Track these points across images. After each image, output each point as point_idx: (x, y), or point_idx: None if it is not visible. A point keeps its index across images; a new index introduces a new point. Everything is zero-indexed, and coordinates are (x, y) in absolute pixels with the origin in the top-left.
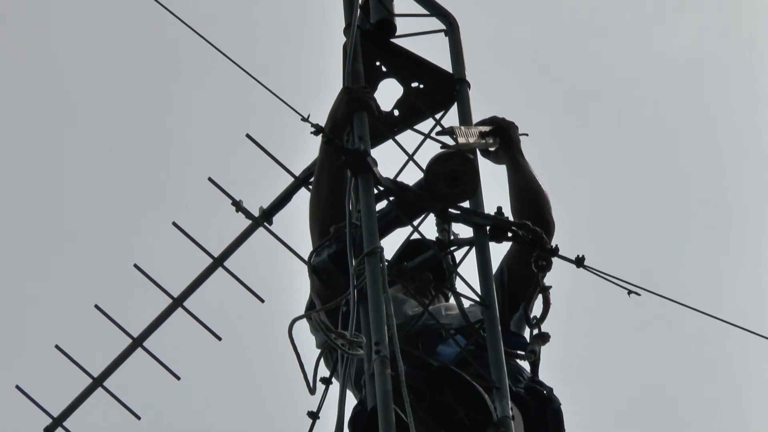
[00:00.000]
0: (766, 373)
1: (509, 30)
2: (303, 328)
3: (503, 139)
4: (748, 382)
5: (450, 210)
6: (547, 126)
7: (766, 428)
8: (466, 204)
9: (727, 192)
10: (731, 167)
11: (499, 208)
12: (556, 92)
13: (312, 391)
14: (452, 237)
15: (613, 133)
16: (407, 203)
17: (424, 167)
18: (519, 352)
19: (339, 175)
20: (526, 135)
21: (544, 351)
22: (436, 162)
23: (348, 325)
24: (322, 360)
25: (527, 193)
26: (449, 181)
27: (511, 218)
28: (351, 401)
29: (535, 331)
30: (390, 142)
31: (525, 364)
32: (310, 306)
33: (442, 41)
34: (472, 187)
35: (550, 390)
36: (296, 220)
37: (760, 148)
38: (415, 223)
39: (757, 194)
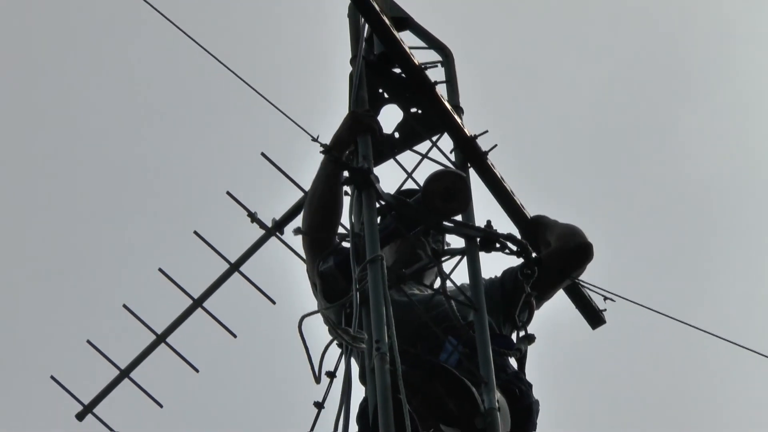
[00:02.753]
0: (738, 379)
1: (502, 57)
2: (311, 325)
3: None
4: (720, 388)
5: (444, 223)
6: (532, 137)
7: (723, 423)
8: (458, 217)
9: (709, 200)
10: (713, 175)
11: (489, 222)
12: (536, 109)
13: (318, 380)
14: (446, 247)
15: (597, 147)
16: (406, 217)
17: (421, 184)
18: (506, 350)
19: (333, 187)
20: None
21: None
22: (432, 180)
23: (351, 322)
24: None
25: (567, 227)
26: (444, 197)
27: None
28: (359, 394)
29: (522, 333)
30: (391, 161)
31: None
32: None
33: (439, 71)
34: (464, 202)
35: (529, 386)
36: None
37: (741, 158)
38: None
39: (739, 203)
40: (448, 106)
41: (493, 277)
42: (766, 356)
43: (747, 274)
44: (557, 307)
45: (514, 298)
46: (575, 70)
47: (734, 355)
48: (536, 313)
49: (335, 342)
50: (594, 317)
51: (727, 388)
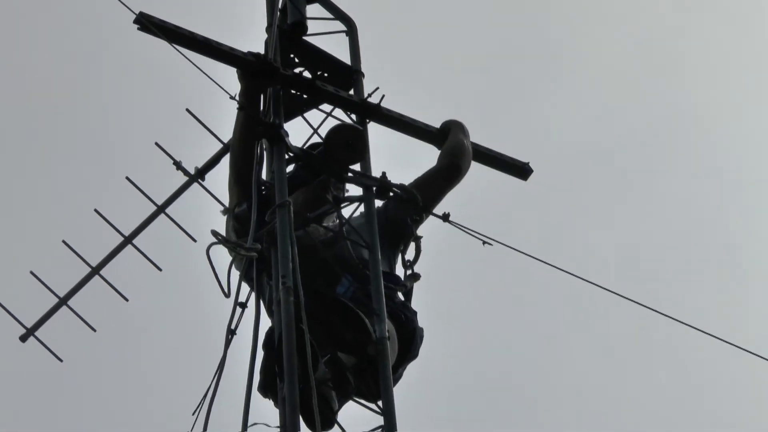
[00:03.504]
0: (599, 317)
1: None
2: (223, 254)
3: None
4: (583, 325)
5: (347, 174)
6: (419, 99)
7: (585, 363)
8: (357, 168)
9: (576, 159)
10: (580, 136)
11: (384, 173)
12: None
13: (227, 295)
14: (346, 195)
15: (478, 108)
16: (311, 167)
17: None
18: (395, 286)
19: (249, 141)
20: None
21: (416, 288)
22: (333, 133)
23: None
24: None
25: (454, 146)
26: (344, 148)
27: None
28: (267, 323)
29: (409, 272)
30: (299, 118)
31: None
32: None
33: (344, 39)
34: (362, 152)
35: (414, 314)
36: (224, 178)
37: (602, 123)
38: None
39: (601, 162)
40: (332, 89)
41: (378, 206)
42: (623, 296)
43: (611, 225)
44: (442, 251)
45: (396, 228)
46: (459, 38)
47: (597, 297)
48: (426, 255)
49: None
50: (520, 171)
51: (589, 325)
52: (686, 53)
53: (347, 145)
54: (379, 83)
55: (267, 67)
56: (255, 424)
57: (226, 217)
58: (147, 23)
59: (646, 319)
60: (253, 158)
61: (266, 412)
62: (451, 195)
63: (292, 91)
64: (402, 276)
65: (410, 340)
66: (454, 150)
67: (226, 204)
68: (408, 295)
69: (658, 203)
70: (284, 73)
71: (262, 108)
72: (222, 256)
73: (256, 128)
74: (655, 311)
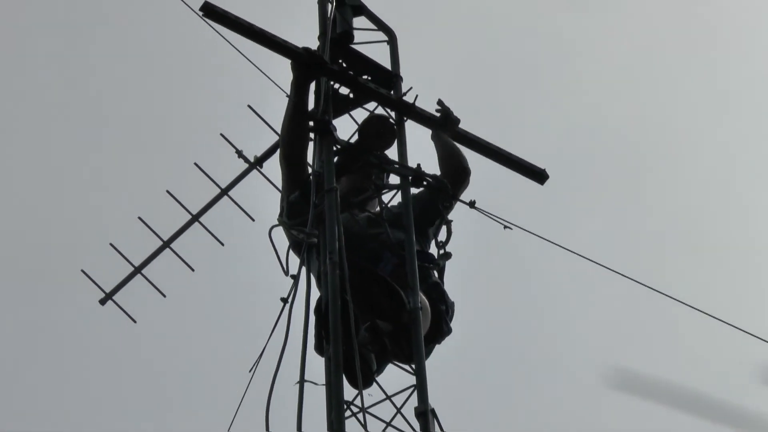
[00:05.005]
0: (593, 292)
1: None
2: (279, 235)
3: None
4: (580, 299)
5: (385, 165)
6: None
7: (583, 330)
8: (395, 157)
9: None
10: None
11: (419, 164)
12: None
13: (286, 273)
14: (385, 182)
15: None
16: (356, 158)
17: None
18: (429, 264)
19: (293, 125)
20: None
21: (448, 265)
22: (366, 124)
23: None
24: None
25: (452, 151)
26: (376, 137)
27: (431, 171)
28: (317, 294)
29: (441, 251)
30: (346, 115)
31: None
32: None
33: (386, 48)
34: (391, 140)
35: (443, 292)
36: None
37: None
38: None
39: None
40: (372, 85)
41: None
42: (621, 274)
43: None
44: (466, 231)
45: (423, 219)
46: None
47: (598, 275)
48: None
49: (296, 253)
50: (538, 176)
51: (590, 300)
52: (676, 61)
53: (378, 133)
54: (414, 82)
55: (315, 59)
56: (306, 381)
57: (280, 198)
58: (212, 11)
59: (641, 294)
60: (299, 145)
61: (314, 371)
62: (477, 187)
63: (341, 93)
64: (435, 255)
65: (442, 315)
66: (461, 157)
67: (279, 187)
68: (441, 272)
69: (658, 195)
70: (330, 67)
71: (314, 107)
72: (279, 236)
73: (306, 123)
74: (655, 290)
